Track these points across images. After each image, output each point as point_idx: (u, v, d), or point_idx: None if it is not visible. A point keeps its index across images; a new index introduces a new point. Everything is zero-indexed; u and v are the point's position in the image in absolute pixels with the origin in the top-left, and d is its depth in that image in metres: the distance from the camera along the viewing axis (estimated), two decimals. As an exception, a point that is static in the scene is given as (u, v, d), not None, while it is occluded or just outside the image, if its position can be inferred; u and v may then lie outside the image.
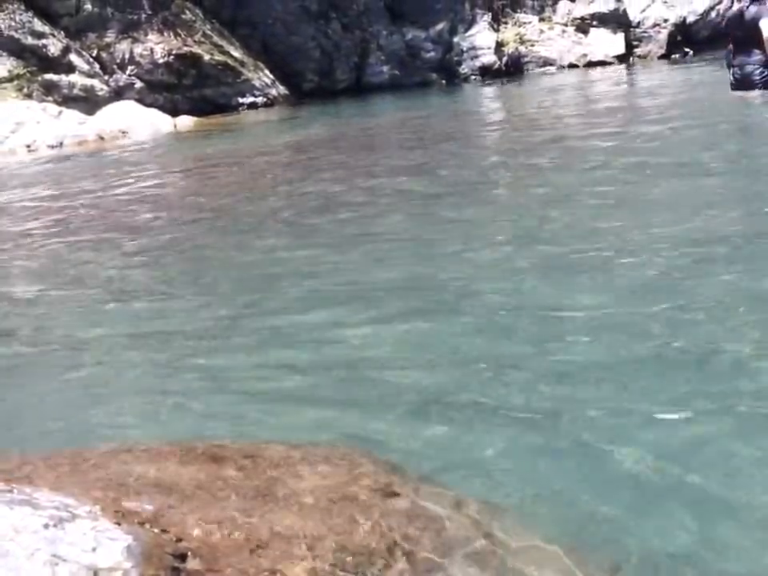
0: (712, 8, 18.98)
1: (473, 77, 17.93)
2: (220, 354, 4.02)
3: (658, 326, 3.60)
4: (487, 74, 17.90)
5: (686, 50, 18.81)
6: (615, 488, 2.55)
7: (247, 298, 4.85)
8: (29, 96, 16.02)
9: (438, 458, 2.86)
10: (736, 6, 10.81)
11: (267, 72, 17.51)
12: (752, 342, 3.34)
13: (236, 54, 17.30)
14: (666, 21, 18.93)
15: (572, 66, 18.33)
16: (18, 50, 16.16)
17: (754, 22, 10.15)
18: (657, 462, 2.63)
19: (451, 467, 2.79)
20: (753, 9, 10.25)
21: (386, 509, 2.18)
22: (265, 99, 17.18)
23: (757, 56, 10.28)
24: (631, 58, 18.65)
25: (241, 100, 17.06)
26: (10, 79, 15.99)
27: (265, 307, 4.65)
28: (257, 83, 17.19)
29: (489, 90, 16.80)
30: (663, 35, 18.85)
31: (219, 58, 16.95)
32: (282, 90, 17.53)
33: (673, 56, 18.69)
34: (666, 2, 19.24)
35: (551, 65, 18.39)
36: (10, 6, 16.29)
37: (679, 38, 18.99)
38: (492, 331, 3.88)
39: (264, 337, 4.21)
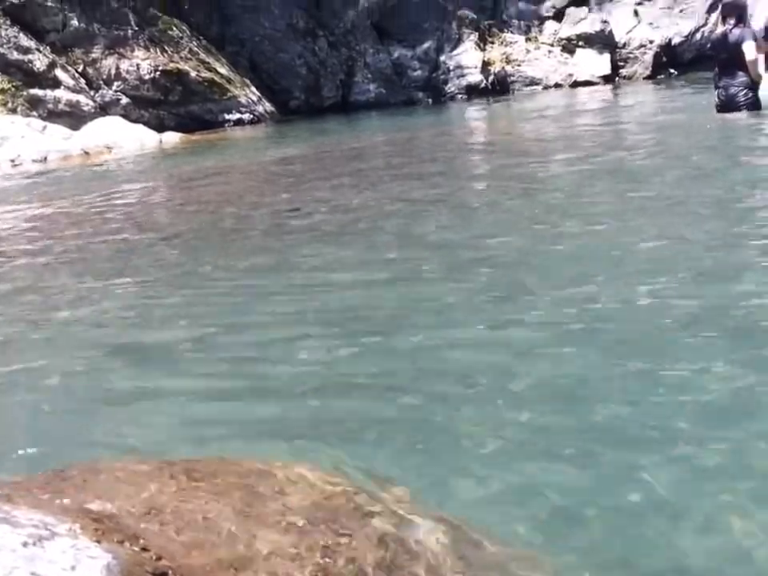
0: (697, 30, 19.09)
1: (459, 95, 17.97)
2: (196, 371, 3.99)
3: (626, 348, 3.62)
4: (473, 92, 17.94)
5: (672, 71, 18.90)
6: (596, 504, 2.55)
7: (227, 315, 4.81)
8: (14, 111, 15.98)
9: (418, 477, 2.84)
10: (720, 29, 10.89)
11: (254, 89, 17.51)
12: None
13: (222, 70, 17.29)
14: (651, 42, 19.01)
15: (558, 85, 18.38)
16: (3, 65, 16.12)
17: (738, 44, 10.22)
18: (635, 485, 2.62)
19: (429, 486, 2.78)
20: (737, 31, 10.32)
21: (366, 529, 2.17)
22: (251, 116, 17.18)
23: (741, 78, 10.35)
24: (617, 79, 18.70)
25: (227, 116, 17.05)
26: (-6, 94, 15.98)
27: (244, 324, 4.62)
28: (243, 100, 17.19)
29: (474, 109, 16.82)
30: (649, 56, 18.93)
31: (206, 74, 16.94)
32: (269, 106, 17.53)
33: (658, 77, 18.75)
34: (651, 24, 19.33)
35: (537, 84, 18.44)
36: (-3, 21, 16.29)
37: (664, 59, 19.05)
38: (472, 351, 3.87)
39: (242, 352, 4.19)
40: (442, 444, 3.03)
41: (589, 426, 2.99)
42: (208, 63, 17.12)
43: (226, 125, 17.06)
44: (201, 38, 17.54)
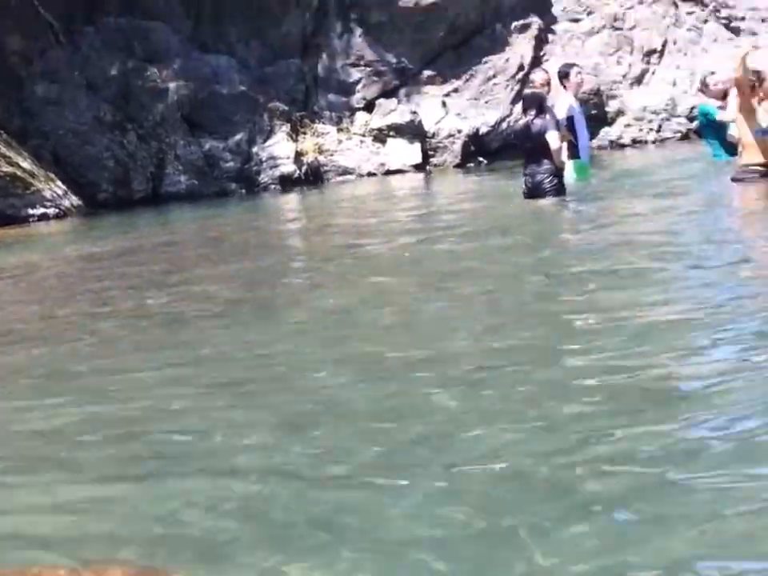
0: (503, 120, 19.72)
1: (272, 186, 17.95)
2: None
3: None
4: (287, 182, 17.96)
5: (480, 159, 19.48)
6: None
7: (36, 419, 4.59)
8: None
9: None
10: (523, 120, 11.29)
11: (59, 183, 16.98)
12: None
13: (25, 164, 16.73)
14: (459, 132, 19.51)
15: (371, 174, 18.63)
16: None
17: (541, 134, 10.60)
18: None
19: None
20: (538, 122, 10.73)
21: None
22: (57, 210, 16.63)
23: (546, 165, 10.73)
24: (428, 167, 19.08)
25: (31, 211, 16.44)
26: None
27: (51, 429, 4.40)
28: (48, 194, 16.64)
29: (288, 199, 16.92)
30: (457, 145, 19.40)
31: (7, 169, 16.34)
32: (75, 200, 17.01)
33: (468, 165, 19.26)
34: (459, 114, 19.86)
35: (350, 173, 18.64)
36: None
37: (473, 148, 19.56)
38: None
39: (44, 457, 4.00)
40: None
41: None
42: (9, 158, 16.52)
43: (30, 220, 16.45)
44: (1, 132, 16.93)
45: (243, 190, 17.88)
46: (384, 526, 2.99)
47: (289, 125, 18.62)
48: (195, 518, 3.22)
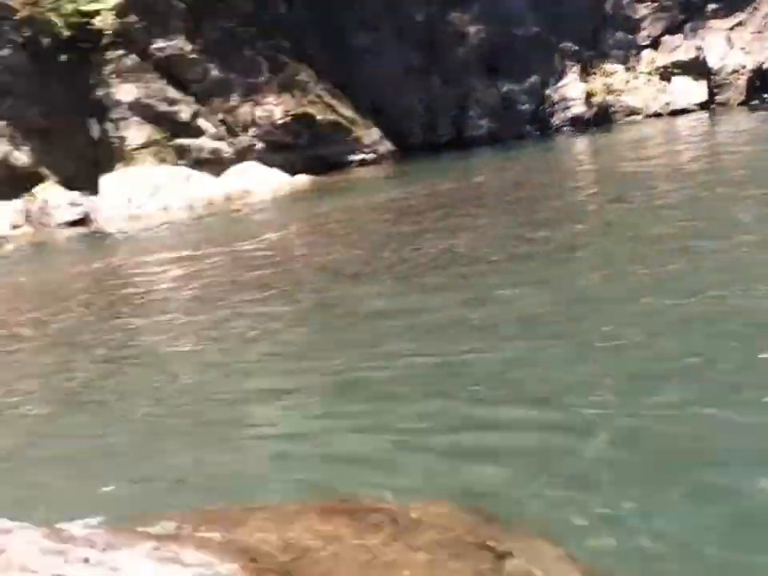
0: (789, 54, 19.64)
1: (564, 128, 18.82)
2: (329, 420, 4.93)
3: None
4: (578, 124, 18.74)
5: (765, 96, 19.45)
6: None
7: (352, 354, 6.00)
8: (163, 160, 17.49)
9: (547, 515, 3.40)
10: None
11: (375, 129, 18.53)
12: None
13: (347, 113, 18.35)
14: (744, 67, 19.57)
15: (657, 114, 19.12)
16: (153, 117, 17.61)
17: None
18: None
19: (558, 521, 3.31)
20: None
21: (499, 566, 2.42)
22: (374, 156, 18.25)
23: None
24: (712, 105, 19.31)
25: (351, 157, 18.13)
26: (146, 145, 17.49)
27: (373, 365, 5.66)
28: (366, 140, 18.26)
29: (580, 142, 17.66)
30: (742, 82, 19.50)
31: (331, 117, 18.06)
32: (389, 146, 18.54)
33: (751, 103, 19.30)
34: (743, 49, 19.89)
35: (637, 114, 19.20)
36: (147, 75, 17.71)
37: (758, 83, 19.62)
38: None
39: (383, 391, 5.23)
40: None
41: None
42: (332, 106, 18.20)
43: (351, 165, 18.14)
44: (325, 81, 18.44)
45: (538, 132, 18.81)
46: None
47: (579, 65, 19.37)
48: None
